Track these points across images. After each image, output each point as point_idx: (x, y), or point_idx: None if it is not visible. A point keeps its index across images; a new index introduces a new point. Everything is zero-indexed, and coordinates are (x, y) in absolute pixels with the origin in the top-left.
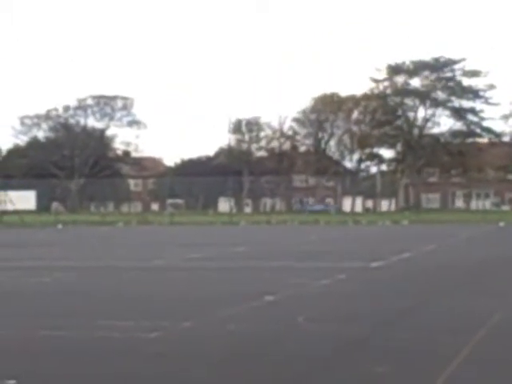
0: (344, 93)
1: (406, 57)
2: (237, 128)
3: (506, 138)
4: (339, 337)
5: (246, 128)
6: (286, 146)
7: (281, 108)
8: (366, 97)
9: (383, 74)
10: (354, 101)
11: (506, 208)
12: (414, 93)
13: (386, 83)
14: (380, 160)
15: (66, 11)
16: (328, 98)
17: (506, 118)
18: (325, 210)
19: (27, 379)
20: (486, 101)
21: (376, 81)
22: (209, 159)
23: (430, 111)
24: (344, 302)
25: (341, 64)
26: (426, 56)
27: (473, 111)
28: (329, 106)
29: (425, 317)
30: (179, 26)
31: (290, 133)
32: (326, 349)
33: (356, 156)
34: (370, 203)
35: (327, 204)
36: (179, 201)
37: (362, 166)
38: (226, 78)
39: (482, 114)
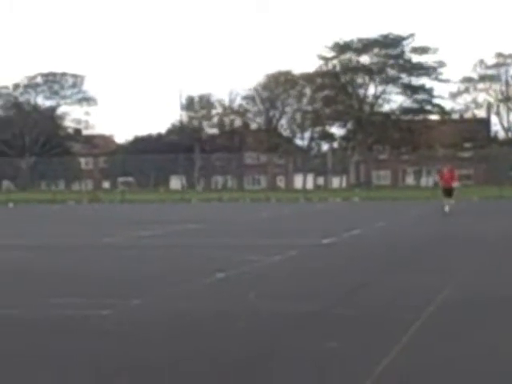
0: (295, 70)
1: (355, 34)
2: (189, 105)
3: (455, 116)
4: (290, 313)
5: (198, 105)
6: (238, 123)
7: (232, 85)
8: (317, 74)
9: (332, 52)
10: (306, 78)
11: (455, 185)
12: (364, 70)
13: (335, 61)
14: (331, 138)
15: None
16: (280, 75)
17: (454, 96)
18: None
19: None
20: (436, 77)
21: (325, 58)
22: (160, 136)
23: (380, 88)
24: (295, 279)
25: (292, 41)
26: (375, 33)
27: (423, 88)
28: (280, 84)
29: (375, 293)
30: (130, 1)
31: (241, 110)
32: (277, 325)
33: (307, 134)
34: (321, 180)
35: None
36: (130, 179)
37: (313, 143)
38: (178, 54)
39: (431, 91)
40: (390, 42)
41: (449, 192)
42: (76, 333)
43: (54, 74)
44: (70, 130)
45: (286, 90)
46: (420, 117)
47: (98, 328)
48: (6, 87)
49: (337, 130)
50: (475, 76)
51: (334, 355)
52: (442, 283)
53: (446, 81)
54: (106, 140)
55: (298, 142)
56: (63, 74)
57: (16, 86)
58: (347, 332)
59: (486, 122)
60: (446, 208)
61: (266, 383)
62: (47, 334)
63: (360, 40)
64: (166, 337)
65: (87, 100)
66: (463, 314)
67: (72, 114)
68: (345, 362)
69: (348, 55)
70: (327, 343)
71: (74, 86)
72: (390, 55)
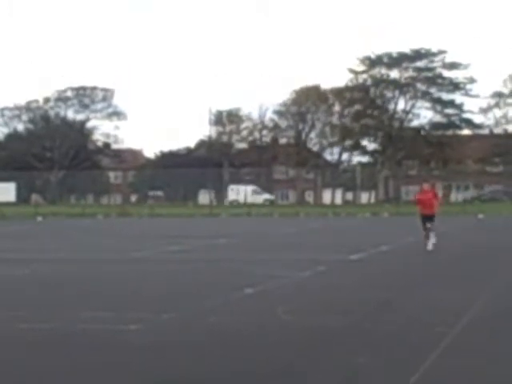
0: (324, 85)
1: (386, 49)
2: (218, 119)
3: (485, 131)
4: (318, 329)
5: (226, 119)
6: (267, 137)
7: (261, 99)
8: (347, 88)
9: (362, 66)
10: (335, 93)
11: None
12: (394, 84)
13: (365, 75)
14: (362, 151)
15: (45, 2)
16: (309, 90)
17: (485, 111)
18: None
19: (2, 374)
20: (466, 93)
21: (355, 72)
22: (189, 151)
23: (410, 103)
24: (323, 295)
25: (321, 56)
26: (406, 48)
27: (452, 103)
28: (310, 98)
29: (403, 309)
30: (159, 17)
31: (271, 125)
32: (306, 341)
33: (336, 148)
34: (349, 195)
35: None
36: (159, 193)
37: (343, 158)
38: (207, 69)
39: (461, 106)
40: (421, 57)
41: (429, 219)
42: (103, 347)
43: (84, 88)
44: (100, 144)
45: (316, 105)
46: (450, 132)
47: (126, 342)
48: (37, 101)
49: (366, 145)
50: (506, 91)
51: (360, 371)
52: (469, 300)
53: (476, 96)
54: (135, 154)
55: (327, 156)
56: (93, 88)
57: (46, 100)
58: (375, 348)
59: None
60: (430, 245)
61: None
62: (75, 348)
63: (391, 54)
64: (195, 351)
65: (117, 114)
66: (486, 333)
67: (101, 128)
68: (372, 379)
69: (378, 69)
70: (354, 359)
71: (104, 100)
72: (421, 70)
